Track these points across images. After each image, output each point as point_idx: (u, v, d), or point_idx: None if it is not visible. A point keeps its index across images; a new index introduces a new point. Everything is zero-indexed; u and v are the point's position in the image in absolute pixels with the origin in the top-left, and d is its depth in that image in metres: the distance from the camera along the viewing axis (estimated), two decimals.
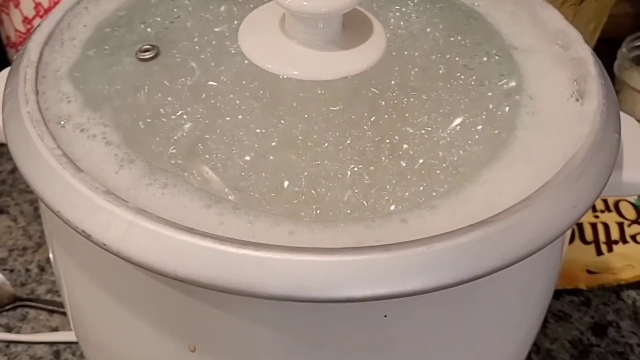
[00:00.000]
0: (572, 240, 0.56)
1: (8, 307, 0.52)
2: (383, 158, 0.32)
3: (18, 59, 0.36)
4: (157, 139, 0.32)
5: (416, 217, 0.30)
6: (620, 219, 0.58)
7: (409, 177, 0.31)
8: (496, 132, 0.33)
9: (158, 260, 0.28)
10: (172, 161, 0.31)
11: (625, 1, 0.72)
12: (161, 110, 0.33)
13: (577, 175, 0.31)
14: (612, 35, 0.66)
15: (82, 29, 0.38)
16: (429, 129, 0.33)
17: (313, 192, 0.30)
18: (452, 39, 0.37)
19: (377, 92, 0.34)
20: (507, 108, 0.34)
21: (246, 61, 0.34)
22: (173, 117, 0.33)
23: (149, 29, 0.37)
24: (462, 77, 0.35)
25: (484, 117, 0.33)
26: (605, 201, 0.59)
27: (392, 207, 0.30)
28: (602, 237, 0.57)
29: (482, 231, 0.28)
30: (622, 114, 0.36)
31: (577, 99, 0.35)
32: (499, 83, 0.35)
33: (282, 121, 0.32)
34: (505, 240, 0.29)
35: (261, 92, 0.33)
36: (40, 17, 0.60)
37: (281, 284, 0.27)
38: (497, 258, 0.29)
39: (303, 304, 0.28)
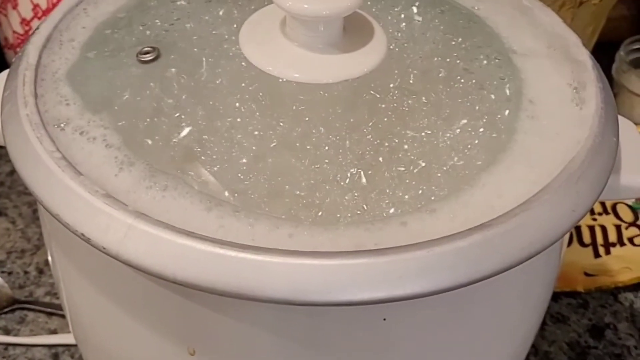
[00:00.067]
0: (570, 242, 0.57)
1: (6, 309, 0.52)
2: (383, 161, 0.32)
3: (17, 61, 0.36)
4: (158, 141, 0.32)
5: (416, 220, 0.30)
6: (618, 222, 0.58)
7: (408, 180, 0.31)
8: (496, 135, 0.33)
9: (157, 263, 0.28)
10: (173, 163, 0.31)
11: (623, 4, 0.72)
12: (162, 112, 0.33)
13: (576, 179, 0.31)
14: (610, 38, 0.67)
15: (81, 31, 0.38)
16: (429, 132, 0.33)
17: (313, 195, 0.30)
18: (453, 42, 0.37)
19: (377, 95, 0.34)
20: (507, 112, 0.34)
21: (247, 64, 0.34)
22: (174, 119, 0.33)
23: (149, 31, 0.37)
24: (462, 80, 0.35)
25: (484, 120, 0.34)
26: (602, 204, 0.59)
27: (392, 211, 0.30)
28: (599, 239, 0.57)
29: (481, 235, 0.29)
30: (620, 117, 0.36)
31: (576, 104, 0.35)
32: (499, 87, 0.35)
33: (282, 124, 0.32)
34: (504, 244, 0.29)
35: (262, 94, 0.33)
36: (39, 18, 0.60)
37: (280, 288, 0.27)
38: (496, 262, 0.29)
39: (302, 308, 0.28)
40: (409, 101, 0.34)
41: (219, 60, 0.35)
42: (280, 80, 0.34)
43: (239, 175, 0.31)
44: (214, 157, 0.31)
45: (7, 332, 0.51)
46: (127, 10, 0.38)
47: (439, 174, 0.31)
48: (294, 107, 0.33)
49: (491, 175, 0.32)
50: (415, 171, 0.31)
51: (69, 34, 0.37)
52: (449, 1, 0.40)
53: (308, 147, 0.32)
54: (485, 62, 0.36)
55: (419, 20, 0.38)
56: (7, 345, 0.51)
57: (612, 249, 0.57)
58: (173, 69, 0.35)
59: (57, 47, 0.37)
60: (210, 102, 0.33)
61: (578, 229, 0.57)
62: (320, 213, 0.30)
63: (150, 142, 0.32)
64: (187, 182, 0.30)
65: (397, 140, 0.32)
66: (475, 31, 0.38)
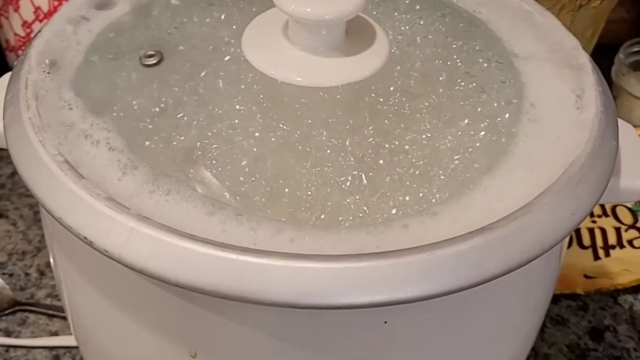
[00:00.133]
0: (569, 245, 0.57)
1: (7, 311, 0.52)
2: (384, 164, 0.32)
3: (19, 64, 0.36)
4: (161, 144, 0.32)
5: (417, 223, 0.30)
6: (618, 224, 0.58)
7: (409, 183, 0.31)
8: (497, 138, 0.33)
9: (159, 266, 0.28)
10: (176, 166, 0.31)
11: (622, 7, 0.72)
12: (165, 115, 0.33)
13: (576, 183, 0.31)
14: (610, 40, 0.67)
15: (85, 34, 0.38)
16: (430, 135, 0.33)
17: (315, 198, 0.30)
18: (454, 45, 0.37)
19: (378, 98, 0.34)
20: (508, 115, 0.34)
21: (250, 67, 0.34)
22: (177, 122, 0.33)
23: (152, 35, 0.37)
24: (464, 83, 0.35)
25: (485, 123, 0.34)
26: (602, 206, 0.59)
27: (393, 213, 0.30)
28: (599, 242, 0.57)
29: (481, 238, 0.29)
30: (620, 121, 0.36)
31: (577, 107, 0.35)
32: (500, 90, 0.35)
33: (284, 127, 0.32)
34: (504, 248, 0.29)
35: (264, 98, 0.34)
36: (40, 21, 0.60)
37: (282, 291, 0.27)
38: (496, 265, 0.29)
39: (304, 311, 0.28)
40: (411, 104, 0.34)
41: (222, 63, 0.35)
42: (283, 83, 0.34)
43: (241, 178, 0.31)
44: (217, 160, 0.32)
45: (8, 334, 0.52)
46: (132, 14, 0.38)
47: (440, 177, 0.32)
48: (296, 110, 0.33)
49: (492, 178, 0.32)
50: (416, 174, 0.32)
51: (73, 37, 0.37)
52: (451, 4, 0.40)
53: (310, 150, 0.32)
54: (486, 65, 0.36)
55: (420, 24, 0.38)
56: (8, 347, 0.51)
57: (611, 252, 0.57)
58: (176, 73, 0.35)
59: (60, 50, 0.37)
60: (213, 106, 0.33)
61: (578, 231, 0.58)
62: (322, 216, 0.30)
63: (153, 145, 0.32)
64: (189, 186, 0.30)
65: (398, 143, 0.32)
66: (477, 34, 0.38)
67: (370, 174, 0.31)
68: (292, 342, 0.30)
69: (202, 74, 0.35)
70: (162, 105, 0.34)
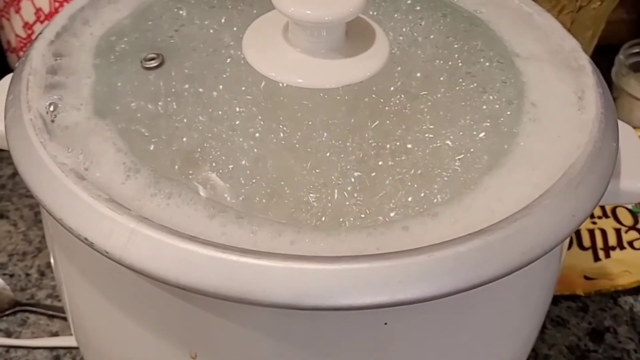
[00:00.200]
0: (570, 246, 0.57)
1: (8, 312, 0.52)
2: (385, 165, 0.32)
3: (20, 66, 0.36)
4: (162, 147, 0.32)
5: (418, 224, 0.30)
6: (618, 225, 0.58)
7: (410, 183, 0.31)
8: (498, 138, 0.33)
9: (160, 268, 0.28)
10: (177, 169, 0.31)
11: (623, 8, 0.72)
12: (167, 118, 0.33)
13: (576, 184, 0.31)
14: (610, 41, 0.67)
15: (87, 37, 0.38)
16: (431, 135, 0.33)
17: (315, 199, 0.30)
18: (455, 45, 0.37)
19: (379, 99, 0.34)
20: (509, 114, 0.34)
21: (250, 69, 0.35)
22: (178, 125, 0.33)
23: (153, 38, 0.37)
24: (465, 83, 0.35)
25: (486, 123, 0.34)
26: (602, 207, 0.59)
27: (394, 215, 0.30)
28: (599, 243, 0.57)
29: (481, 240, 0.29)
30: (620, 122, 0.36)
31: (578, 109, 0.35)
32: (501, 89, 0.35)
33: (285, 129, 0.32)
34: (504, 249, 0.29)
35: (265, 99, 0.34)
36: (41, 22, 0.60)
37: (282, 292, 0.27)
38: (496, 267, 0.29)
39: (304, 312, 0.29)
40: (411, 105, 0.34)
41: (223, 66, 0.35)
42: (284, 85, 0.34)
43: (242, 180, 0.31)
44: (218, 161, 0.32)
45: (8, 334, 0.52)
46: (133, 17, 0.38)
47: (441, 178, 0.32)
48: (296, 112, 0.33)
49: (493, 178, 0.32)
50: (417, 174, 0.32)
51: (75, 39, 0.38)
52: (451, 4, 0.40)
53: (310, 151, 0.32)
54: (487, 64, 0.36)
55: (421, 24, 0.38)
56: (9, 347, 0.51)
57: (612, 253, 0.57)
58: (177, 75, 0.35)
59: (62, 52, 0.37)
60: (214, 108, 0.33)
61: (578, 232, 0.58)
62: (323, 218, 0.30)
63: (154, 147, 0.32)
64: (191, 189, 0.31)
65: (399, 144, 0.32)
66: (477, 34, 0.38)
67: (372, 174, 0.31)
68: (292, 344, 0.30)
69: (203, 76, 0.35)
70: (164, 107, 0.34)
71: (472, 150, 0.33)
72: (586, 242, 0.57)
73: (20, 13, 0.61)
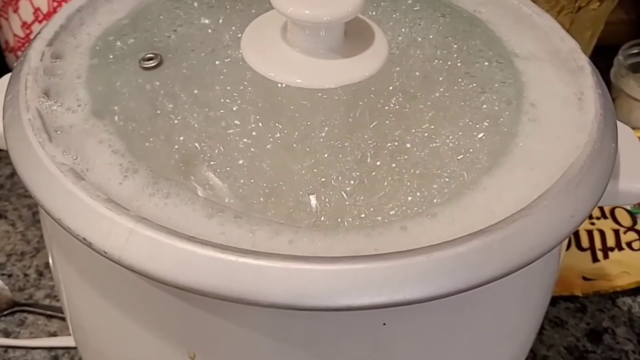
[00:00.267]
0: (568, 247, 0.57)
1: (6, 312, 0.52)
2: (384, 165, 0.32)
3: (19, 65, 0.36)
4: (160, 147, 0.32)
5: (416, 224, 0.30)
6: (616, 226, 0.58)
7: (409, 183, 0.31)
8: (497, 138, 0.33)
9: (159, 268, 0.28)
10: (175, 169, 0.31)
11: (622, 8, 0.72)
12: (165, 118, 0.33)
13: (575, 185, 0.31)
14: (609, 42, 0.67)
15: (85, 37, 0.38)
16: (430, 136, 0.33)
17: (314, 199, 0.30)
18: (454, 45, 0.37)
19: (378, 99, 0.34)
20: (508, 114, 0.34)
21: (249, 69, 0.34)
22: (176, 125, 0.33)
23: (151, 38, 0.37)
24: (464, 83, 0.35)
25: (485, 123, 0.34)
26: (601, 208, 0.59)
27: (392, 215, 0.30)
28: (598, 244, 0.57)
29: (480, 240, 0.29)
30: (619, 123, 0.36)
31: (577, 109, 0.35)
32: (500, 90, 0.35)
33: (284, 129, 0.32)
34: (503, 250, 0.29)
35: (263, 100, 0.34)
36: (40, 22, 0.60)
37: (281, 293, 0.27)
38: (495, 267, 0.29)
39: (303, 312, 0.29)
40: (410, 105, 0.34)
41: (221, 66, 0.35)
42: (283, 85, 0.34)
43: (241, 180, 0.31)
44: (216, 161, 0.32)
45: (6, 334, 0.52)
46: (131, 17, 0.38)
47: (440, 178, 0.32)
48: (295, 112, 0.33)
49: (492, 178, 0.32)
50: (416, 174, 0.32)
51: (73, 39, 0.38)
52: (450, 5, 0.40)
53: (309, 151, 0.32)
54: (486, 64, 0.36)
55: (420, 24, 0.38)
56: (7, 347, 0.51)
57: (610, 254, 0.57)
58: (175, 75, 0.35)
59: (60, 52, 0.37)
60: (213, 108, 0.33)
61: (576, 233, 0.58)
62: (322, 218, 0.30)
63: (153, 147, 0.32)
64: (189, 189, 0.31)
65: (398, 144, 0.32)
66: (477, 34, 0.38)
67: (371, 174, 0.31)
68: (290, 344, 0.30)
69: (202, 76, 0.35)
70: (162, 107, 0.34)
71: (471, 150, 0.33)
72: (585, 242, 0.57)
73: (19, 13, 0.61)
